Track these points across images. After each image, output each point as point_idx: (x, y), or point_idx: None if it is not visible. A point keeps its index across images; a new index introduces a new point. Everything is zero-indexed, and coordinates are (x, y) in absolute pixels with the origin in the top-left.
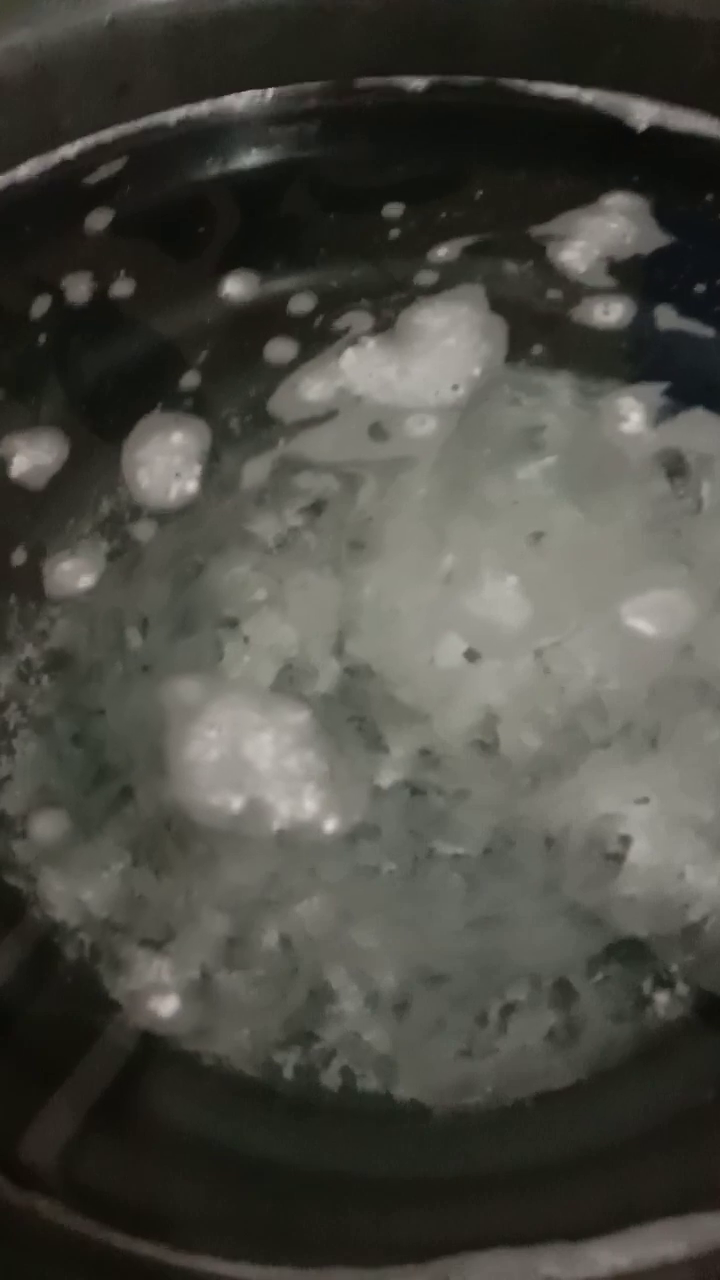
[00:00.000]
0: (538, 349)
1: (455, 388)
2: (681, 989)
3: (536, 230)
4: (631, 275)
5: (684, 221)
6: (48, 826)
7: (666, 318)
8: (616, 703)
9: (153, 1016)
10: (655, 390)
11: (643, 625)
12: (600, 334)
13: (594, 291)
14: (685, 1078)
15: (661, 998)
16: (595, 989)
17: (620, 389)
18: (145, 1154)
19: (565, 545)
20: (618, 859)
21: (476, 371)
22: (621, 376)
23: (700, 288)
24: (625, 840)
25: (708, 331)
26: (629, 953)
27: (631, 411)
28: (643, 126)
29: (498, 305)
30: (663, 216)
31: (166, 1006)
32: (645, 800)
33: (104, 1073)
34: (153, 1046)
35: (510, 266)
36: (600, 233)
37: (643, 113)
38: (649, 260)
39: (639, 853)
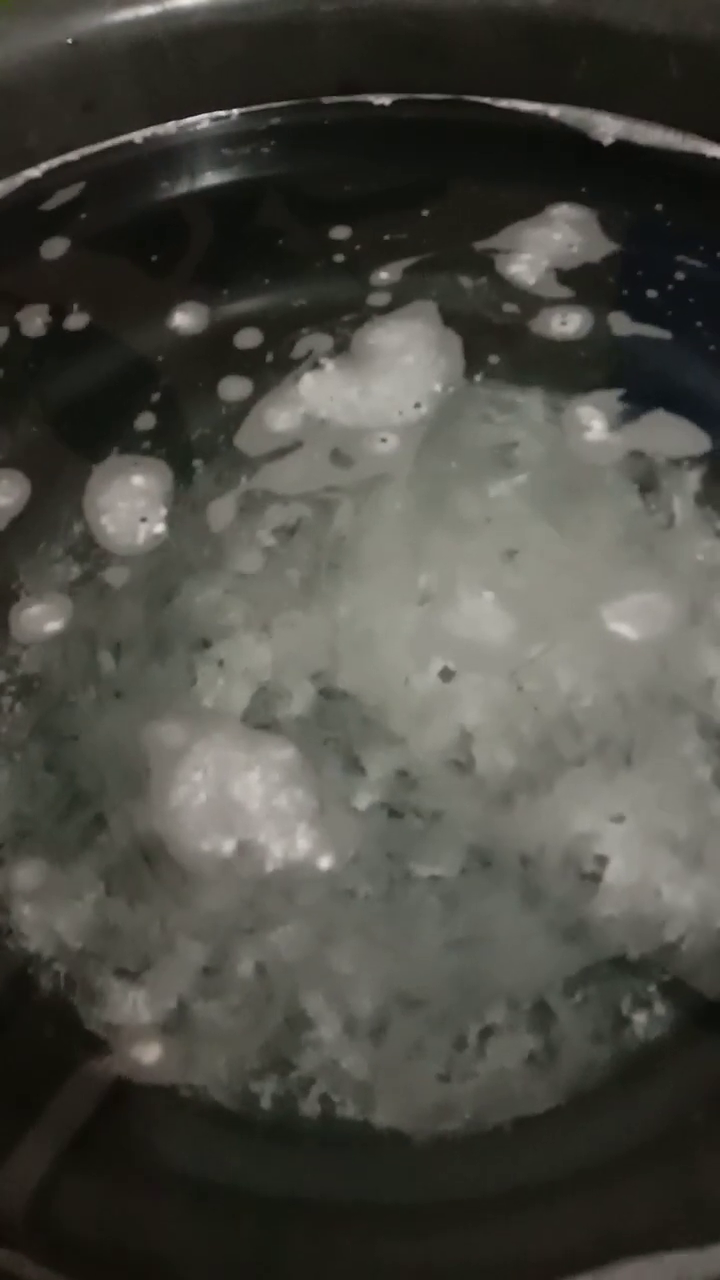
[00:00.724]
0: (495, 362)
1: (417, 405)
2: (660, 1008)
3: (483, 244)
4: (583, 284)
5: (633, 230)
6: (20, 855)
7: (621, 324)
8: (591, 719)
9: (129, 1047)
10: (614, 396)
11: (617, 641)
12: (556, 344)
13: (546, 302)
14: (667, 1099)
15: (640, 1018)
16: (574, 1010)
17: (580, 397)
18: (122, 1192)
19: (539, 562)
20: (594, 878)
21: (437, 388)
22: (580, 385)
23: (652, 294)
24: (601, 859)
25: (663, 335)
26: (607, 972)
27: (593, 419)
28: (608, 140)
29: (450, 320)
30: (609, 226)
31: (143, 1037)
32: (621, 818)
33: (79, 1108)
34: (129, 1079)
35: (461, 281)
36: (546, 244)
37: (607, 127)
38: (599, 269)
39: (615, 871)
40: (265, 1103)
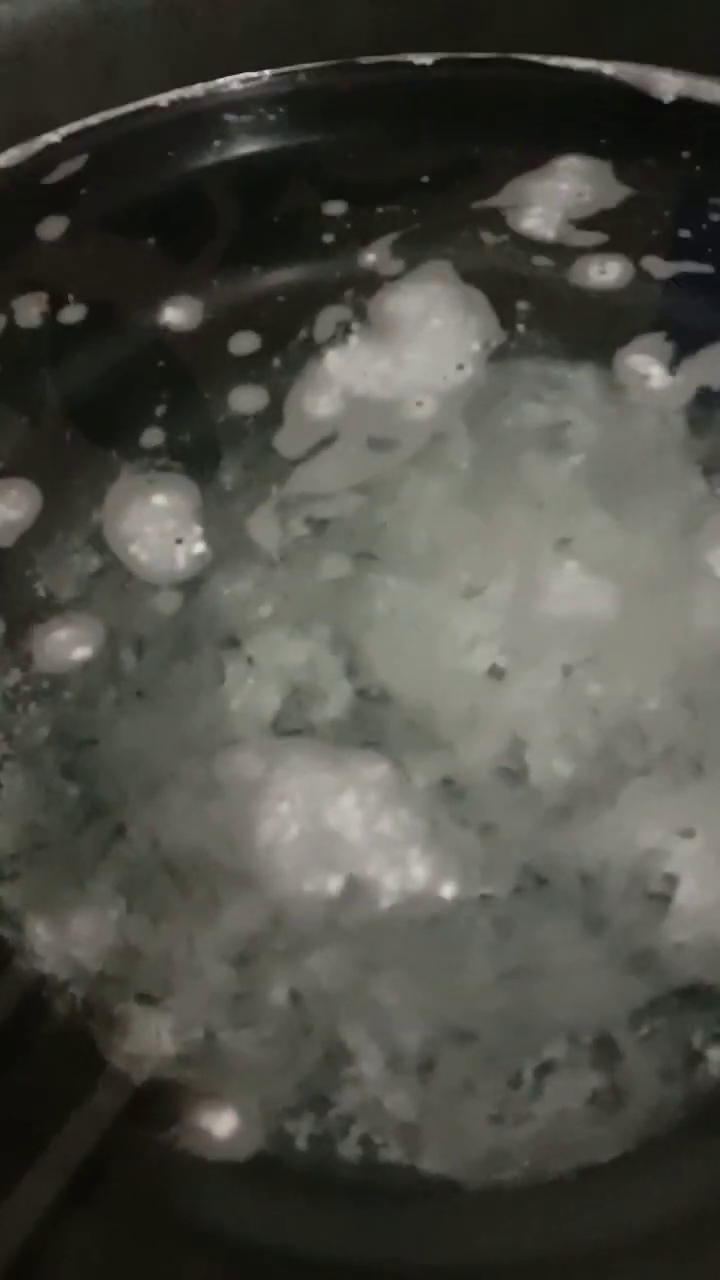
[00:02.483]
0: (526, 315)
1: (460, 367)
2: None
3: (489, 201)
4: (606, 231)
5: (652, 177)
6: (34, 868)
7: (656, 267)
8: (656, 724)
9: (149, 1080)
10: (660, 339)
11: (683, 638)
12: (588, 293)
13: (575, 251)
14: None
15: (715, 1054)
16: (641, 1045)
17: (627, 346)
18: (131, 1246)
19: (597, 553)
20: (663, 899)
21: (476, 347)
22: (623, 333)
23: (685, 233)
24: (671, 878)
25: (705, 269)
26: (677, 1004)
27: (650, 366)
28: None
29: (469, 278)
30: (625, 174)
31: (165, 1069)
32: (691, 832)
33: (88, 1146)
34: (149, 1114)
35: (470, 237)
36: (554, 195)
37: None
38: (616, 213)
39: (686, 892)
40: (300, 1144)
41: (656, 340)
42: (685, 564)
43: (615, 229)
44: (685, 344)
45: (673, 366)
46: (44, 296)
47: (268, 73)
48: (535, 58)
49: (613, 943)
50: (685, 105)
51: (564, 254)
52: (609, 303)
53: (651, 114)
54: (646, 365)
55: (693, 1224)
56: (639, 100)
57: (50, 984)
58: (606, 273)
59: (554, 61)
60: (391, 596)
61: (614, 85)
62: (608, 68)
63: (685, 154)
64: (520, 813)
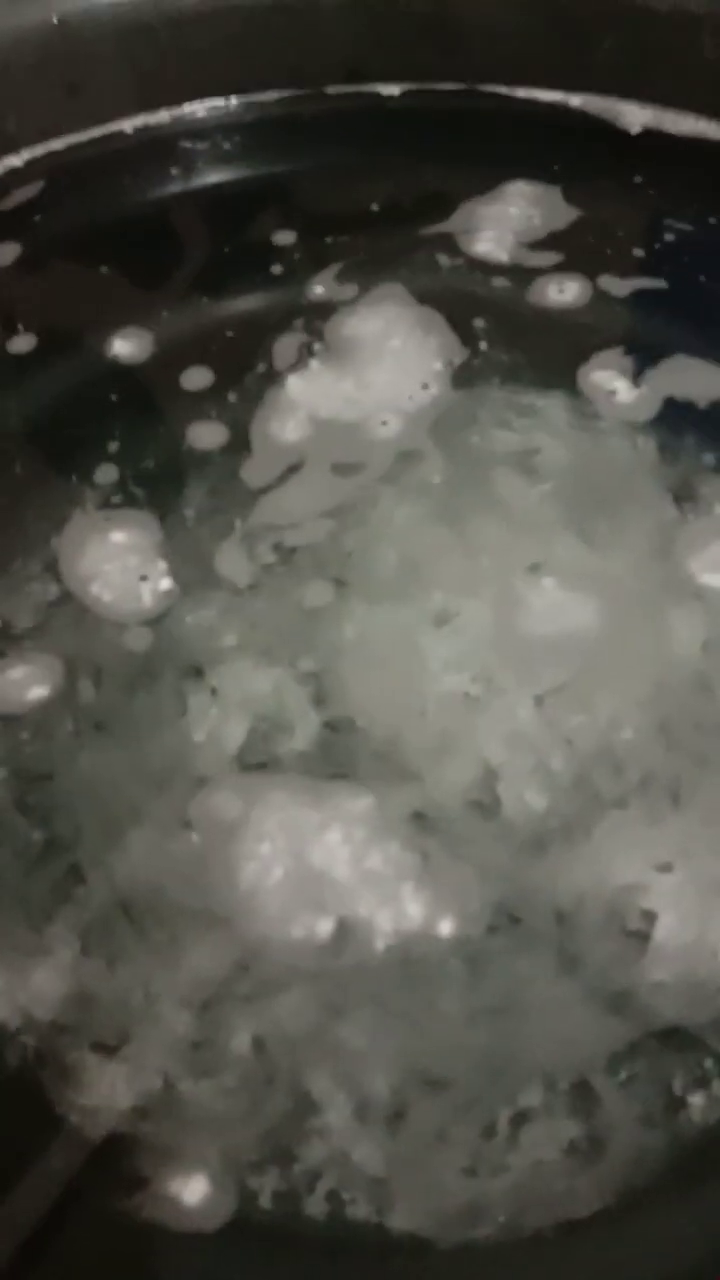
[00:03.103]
0: (487, 332)
1: (425, 386)
2: None
3: (439, 227)
4: (559, 252)
5: (604, 199)
6: None
7: (613, 285)
8: (632, 753)
9: (105, 1134)
10: (620, 354)
11: (657, 663)
12: (549, 312)
13: (524, 273)
14: None
15: (697, 1099)
16: (620, 1090)
17: (589, 362)
18: None
19: (568, 578)
20: (641, 936)
21: (438, 365)
22: (585, 349)
23: (639, 252)
24: (649, 915)
25: (659, 285)
26: (657, 1047)
27: (614, 380)
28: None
29: (424, 299)
30: (574, 197)
31: (121, 1122)
32: (669, 867)
33: (39, 1206)
34: (103, 1169)
35: (424, 260)
36: (504, 219)
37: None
38: (565, 234)
39: (665, 928)
40: (264, 1201)
41: (617, 355)
42: (659, 587)
43: (569, 250)
44: (647, 358)
45: (636, 379)
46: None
47: (235, 99)
48: (503, 89)
49: (590, 982)
50: (651, 135)
51: (520, 275)
52: (569, 320)
53: (617, 144)
54: (611, 380)
55: None
56: (605, 130)
57: (1, 1032)
58: (565, 292)
59: (520, 93)
60: (361, 623)
61: (582, 116)
62: (575, 99)
63: (638, 179)
64: (493, 847)
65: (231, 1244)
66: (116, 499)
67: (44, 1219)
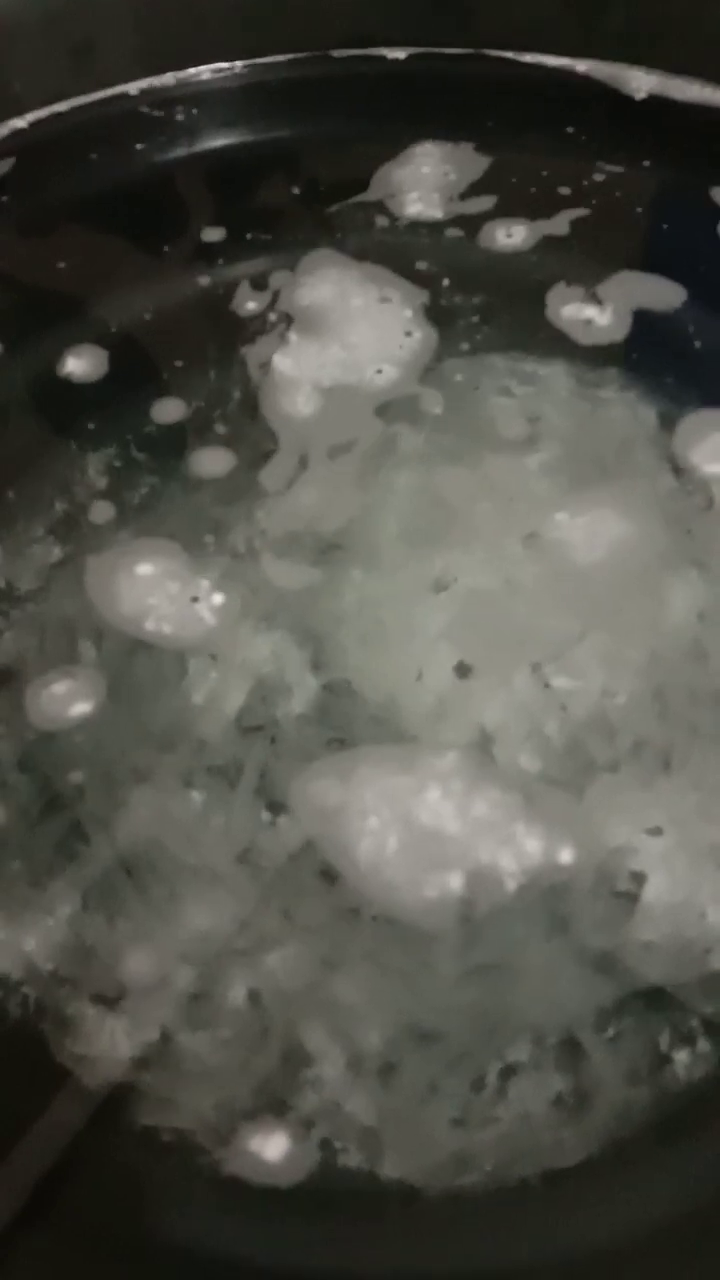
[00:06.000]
0: (449, 287)
1: (409, 334)
2: (705, 1045)
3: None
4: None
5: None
6: None
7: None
8: (625, 719)
9: (104, 1083)
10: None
11: (652, 633)
12: (496, 255)
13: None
14: (716, 1150)
15: (682, 1056)
16: (607, 1047)
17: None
18: (85, 1258)
19: (562, 546)
20: (630, 898)
21: (409, 313)
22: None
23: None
24: (638, 876)
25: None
26: (645, 1005)
27: (583, 310)
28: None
29: (364, 255)
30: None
31: (119, 1072)
32: (659, 830)
33: (42, 1155)
34: (103, 1119)
35: (357, 221)
36: (421, 178)
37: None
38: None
39: (654, 890)
40: (258, 1149)
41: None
42: (655, 556)
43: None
44: (605, 281)
45: (601, 303)
46: None
47: (239, 64)
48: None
49: (579, 942)
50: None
51: (460, 224)
52: (522, 260)
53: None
54: (579, 310)
55: (661, 1232)
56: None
57: (3, 984)
58: (513, 235)
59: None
60: (359, 589)
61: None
62: (580, 65)
63: (570, 129)
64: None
65: (227, 1193)
66: (118, 464)
67: (44, 1168)
